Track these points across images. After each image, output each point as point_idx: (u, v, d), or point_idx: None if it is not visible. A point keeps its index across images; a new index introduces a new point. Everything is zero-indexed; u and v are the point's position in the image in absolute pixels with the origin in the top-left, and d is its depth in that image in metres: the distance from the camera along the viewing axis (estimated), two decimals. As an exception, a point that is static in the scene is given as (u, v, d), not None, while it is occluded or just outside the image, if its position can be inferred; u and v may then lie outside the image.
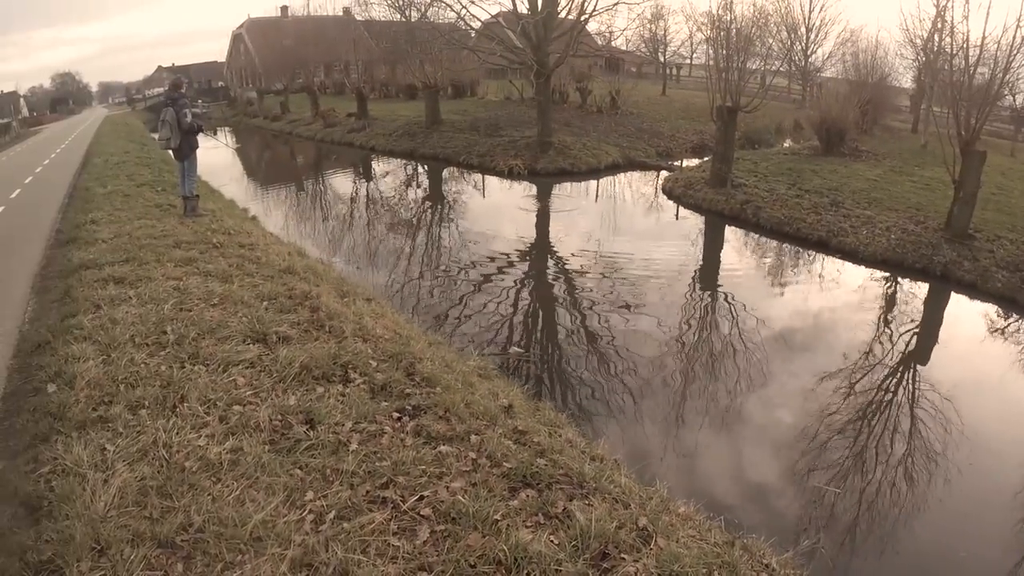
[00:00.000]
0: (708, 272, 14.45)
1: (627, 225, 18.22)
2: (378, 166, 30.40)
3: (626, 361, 9.47)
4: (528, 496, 4.37)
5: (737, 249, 16.65)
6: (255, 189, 26.13)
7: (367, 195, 24.53)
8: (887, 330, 11.37)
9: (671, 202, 20.59)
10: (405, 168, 29.24)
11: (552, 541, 3.90)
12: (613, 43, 49.42)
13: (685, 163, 26.60)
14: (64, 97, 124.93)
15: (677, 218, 19.12)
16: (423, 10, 32.10)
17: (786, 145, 29.88)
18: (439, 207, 21.60)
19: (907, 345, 10.78)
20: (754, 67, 23.10)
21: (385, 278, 13.29)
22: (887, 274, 14.27)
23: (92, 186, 17.66)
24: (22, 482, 4.40)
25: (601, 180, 24.29)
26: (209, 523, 3.84)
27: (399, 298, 11.84)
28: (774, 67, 46.41)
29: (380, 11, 36.47)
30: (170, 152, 13.64)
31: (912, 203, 17.68)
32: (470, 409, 5.58)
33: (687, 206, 19.85)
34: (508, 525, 3.97)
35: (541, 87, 25.55)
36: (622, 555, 3.89)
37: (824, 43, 47.24)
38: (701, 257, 15.82)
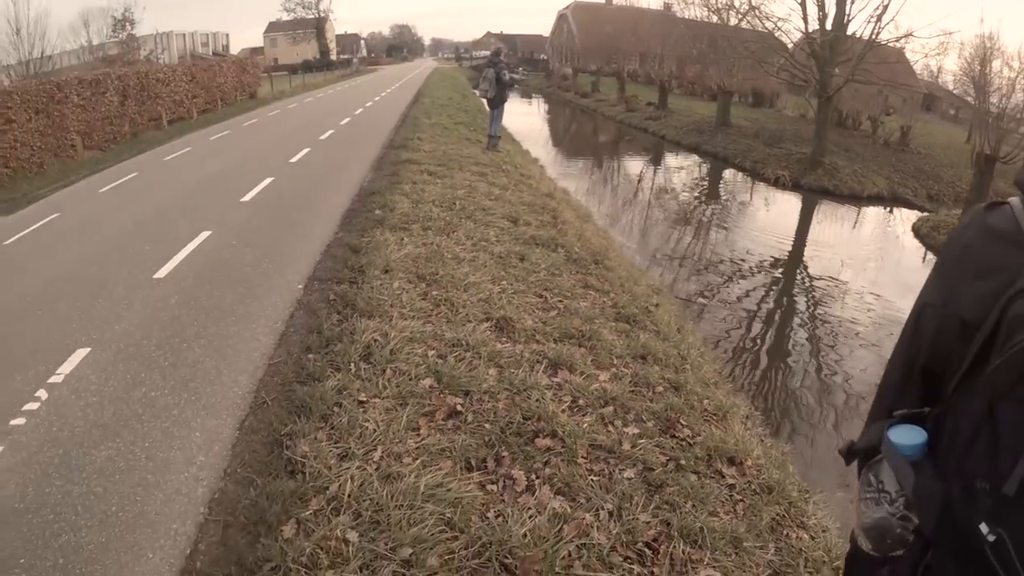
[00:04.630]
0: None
1: (865, 249, 19.00)
2: (662, 153, 32.87)
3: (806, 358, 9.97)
4: (622, 325, 6.89)
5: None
6: (549, 147, 29.97)
7: (640, 171, 27.54)
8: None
9: (916, 240, 21.00)
10: (689, 161, 31.28)
11: (617, 339, 6.40)
12: (938, 80, 47.44)
13: (951, 211, 26.15)
14: (399, 45, 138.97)
15: (923, 261, 19.25)
16: (740, 17, 33.10)
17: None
18: (704, 199, 23.51)
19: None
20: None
21: (629, 240, 15.37)
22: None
23: (419, 117, 22.42)
24: (355, 241, 8.05)
25: (860, 207, 24.94)
26: (447, 276, 7.00)
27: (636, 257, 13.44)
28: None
29: (696, 11, 37.71)
30: (485, 101, 17.40)
31: None
32: (624, 288, 8.23)
33: (927, 246, 20.11)
34: (599, 326, 6.53)
35: (821, 106, 26.42)
36: (655, 363, 6.09)
37: None
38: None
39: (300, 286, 6.98)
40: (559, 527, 3.56)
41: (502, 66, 16.43)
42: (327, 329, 5.70)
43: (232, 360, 5.47)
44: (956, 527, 1.12)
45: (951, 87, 50.01)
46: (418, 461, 3.99)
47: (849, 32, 26.07)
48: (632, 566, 3.42)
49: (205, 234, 8.96)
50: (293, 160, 14.13)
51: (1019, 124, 21.02)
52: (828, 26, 25.61)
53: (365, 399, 4.65)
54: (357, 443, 4.17)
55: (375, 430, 4.29)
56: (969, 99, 36.72)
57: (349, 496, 3.67)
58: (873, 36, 25.39)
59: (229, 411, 4.78)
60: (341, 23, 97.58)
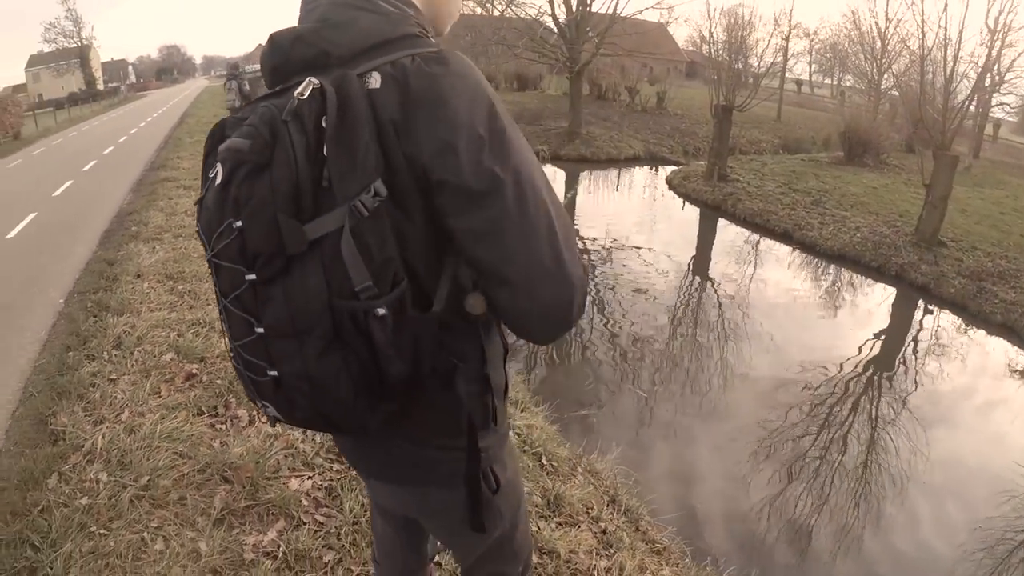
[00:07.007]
0: (676, 246, 16.17)
1: (619, 200, 21.41)
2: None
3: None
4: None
5: (706, 231, 18.84)
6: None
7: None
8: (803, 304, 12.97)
9: (670, 192, 22.97)
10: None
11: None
12: (702, 49, 50.52)
13: (700, 161, 28.03)
14: (169, 67, 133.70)
15: (683, 208, 21.13)
16: (501, 9, 33.59)
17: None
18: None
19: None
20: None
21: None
22: (839, 268, 15.27)
23: (182, 137, 23.02)
24: (111, 255, 8.72)
25: (620, 169, 27.24)
26: (192, 272, 7.85)
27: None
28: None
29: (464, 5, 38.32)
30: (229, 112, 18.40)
31: (899, 210, 18.19)
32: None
33: (680, 195, 22.16)
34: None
35: (573, 81, 28.44)
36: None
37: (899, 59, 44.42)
38: (667, 232, 17.93)
39: (61, 300, 7.61)
40: (270, 444, 4.52)
41: (244, 78, 17.99)
42: (84, 330, 6.43)
43: (1, 370, 6.07)
44: None
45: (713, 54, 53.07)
46: (158, 415, 4.85)
47: (595, 9, 28.07)
48: (332, 464, 4.43)
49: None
50: (56, 194, 14.30)
51: (748, 78, 24.09)
52: (573, 8, 27.46)
53: (115, 377, 5.48)
54: (108, 410, 5.00)
55: (122, 398, 5.14)
56: (721, 60, 39.42)
57: (100, 449, 4.47)
58: (615, 12, 27.52)
59: (1, 407, 5.41)
60: (107, 50, 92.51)
